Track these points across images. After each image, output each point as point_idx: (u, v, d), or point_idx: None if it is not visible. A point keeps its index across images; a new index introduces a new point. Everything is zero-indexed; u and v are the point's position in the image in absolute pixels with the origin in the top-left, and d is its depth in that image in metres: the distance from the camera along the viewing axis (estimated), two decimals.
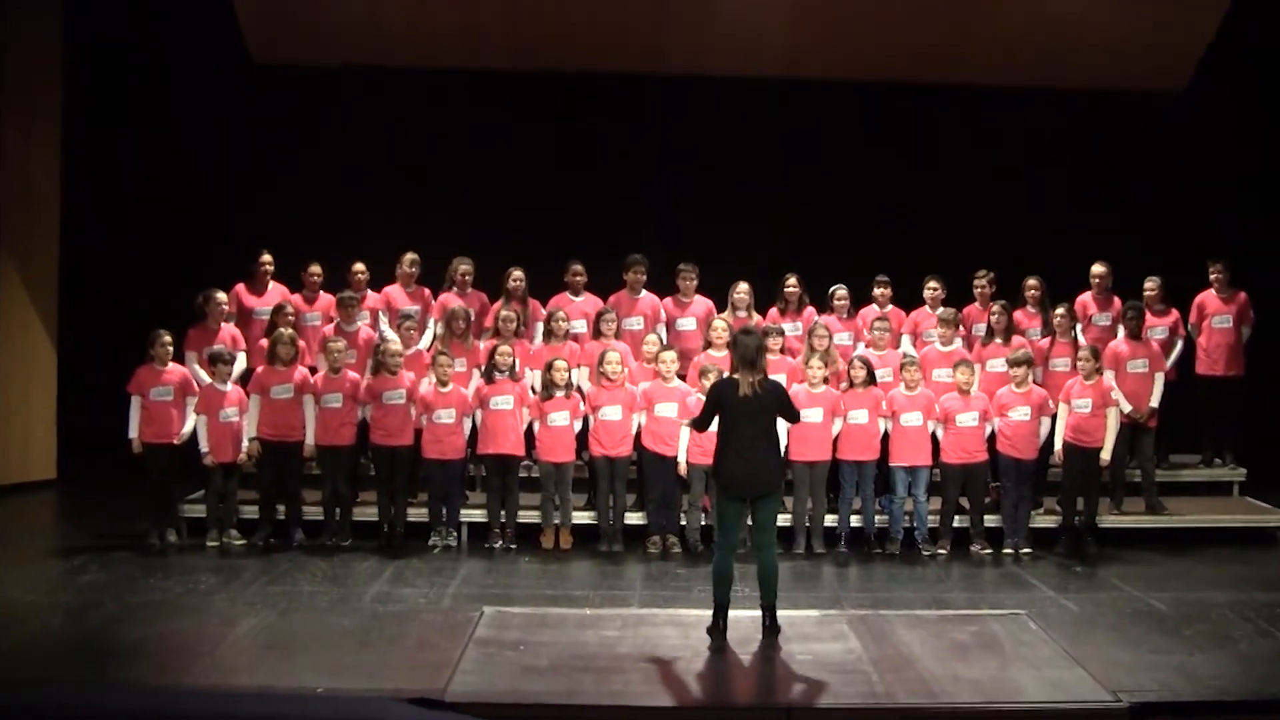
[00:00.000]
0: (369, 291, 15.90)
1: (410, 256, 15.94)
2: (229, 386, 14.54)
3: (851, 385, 14.45)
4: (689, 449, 14.25)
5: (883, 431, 14.52)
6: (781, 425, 11.83)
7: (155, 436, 14.25)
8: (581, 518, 14.73)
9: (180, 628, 11.29)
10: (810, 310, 15.82)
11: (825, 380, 14.38)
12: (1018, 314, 15.65)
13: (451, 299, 15.64)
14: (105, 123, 18.09)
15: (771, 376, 11.75)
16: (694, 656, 10.61)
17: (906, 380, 14.56)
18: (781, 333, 14.95)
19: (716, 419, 11.40)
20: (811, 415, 13.95)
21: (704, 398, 13.75)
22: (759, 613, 11.18)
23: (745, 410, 11.10)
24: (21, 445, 17.38)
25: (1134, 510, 15.16)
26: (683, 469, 14.30)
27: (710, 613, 11.12)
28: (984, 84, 17.95)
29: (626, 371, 14.59)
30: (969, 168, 18.11)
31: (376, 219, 17.29)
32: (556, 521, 14.56)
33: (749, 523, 11.53)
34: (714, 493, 13.68)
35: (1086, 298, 16.04)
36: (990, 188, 18.03)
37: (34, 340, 17.42)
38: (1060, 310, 15.31)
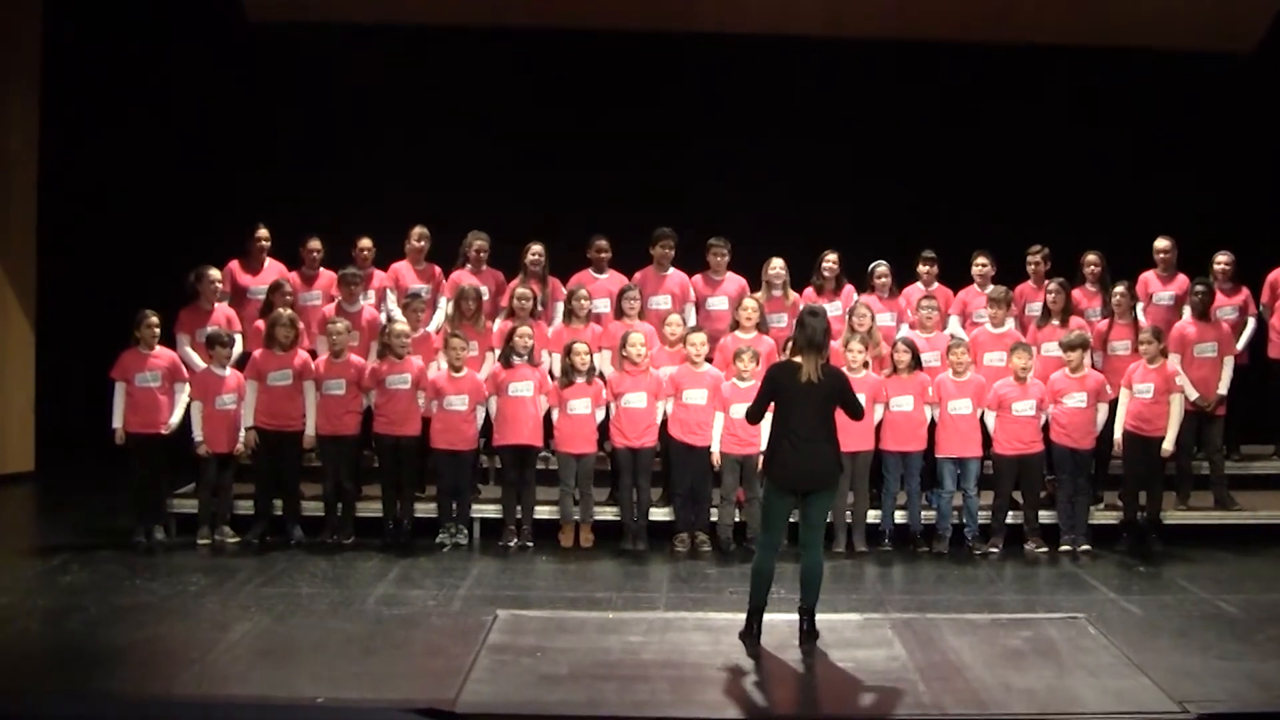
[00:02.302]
0: (375, 269, 15.87)
1: (419, 230, 15.90)
2: (227, 371, 14.50)
3: (895, 370, 14.38)
4: (721, 437, 14.20)
5: (929, 420, 14.48)
6: None
7: (141, 426, 14.18)
8: (603, 513, 14.71)
9: (168, 633, 11.24)
10: (849, 289, 15.74)
11: (866, 364, 14.33)
12: (1076, 293, 15.52)
13: (464, 276, 15.60)
14: (88, 85, 18.06)
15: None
16: (725, 664, 10.53)
17: (954, 364, 14.48)
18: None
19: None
20: None
21: (738, 383, 13.74)
22: (795, 616, 11.11)
23: (805, 397, 10.96)
24: None
25: (1202, 505, 15.09)
26: (716, 460, 14.24)
27: (743, 616, 11.06)
28: (1038, 43, 17.90)
29: (650, 355, 14.53)
30: (1022, 134, 18.01)
31: (383, 190, 17.29)
32: (576, 518, 14.51)
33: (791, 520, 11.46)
34: (749, 486, 13.70)
35: (1148, 275, 15.89)
36: (1045, 156, 17.95)
37: (10, 321, 17.45)
38: (1119, 289, 15.17)
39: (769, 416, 11.16)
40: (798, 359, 11.08)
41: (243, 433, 14.44)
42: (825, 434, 11.01)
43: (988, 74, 18.12)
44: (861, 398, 12.88)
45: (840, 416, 11.20)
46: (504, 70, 18.02)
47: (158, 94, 17.94)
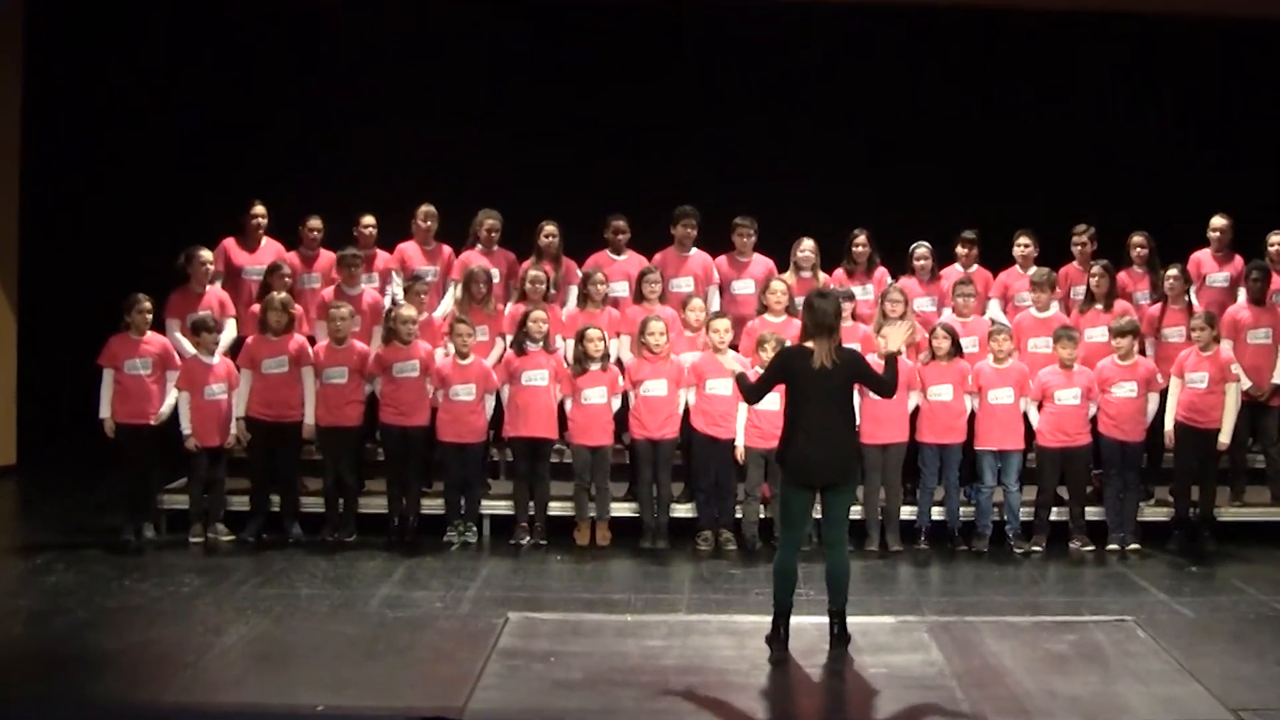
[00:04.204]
0: (379, 249, 15.84)
1: (425, 209, 15.86)
2: (215, 359, 14.45)
3: (934, 357, 14.32)
4: (746, 430, 14.15)
5: (969, 410, 14.44)
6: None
7: (131, 416, 14.16)
8: (621, 510, 14.68)
9: (159, 636, 11.26)
10: (881, 271, 15.69)
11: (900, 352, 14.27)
12: (1122, 275, 15.50)
13: (474, 258, 15.57)
14: (73, 56, 18.02)
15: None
16: (751, 669, 10.56)
17: (995, 351, 14.39)
18: (851, 296, 14.74)
19: (774, 394, 11.29)
20: None
21: (763, 371, 13.69)
22: (825, 619, 11.08)
23: (819, 384, 10.84)
24: None
25: (1258, 501, 15.06)
26: (740, 454, 14.21)
27: (769, 619, 11.00)
28: (1083, 9, 17.81)
29: (671, 341, 14.48)
30: (1066, 107, 17.97)
31: (388, 165, 17.24)
32: (592, 514, 14.50)
33: (816, 516, 11.42)
34: (775, 481, 13.65)
35: (1202, 255, 15.80)
36: (1090, 130, 17.89)
37: None
38: (1173, 271, 15.09)
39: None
40: (809, 344, 11.00)
41: (234, 423, 14.43)
42: (842, 424, 10.94)
43: (1032, 43, 18.03)
44: None
45: (870, 406, 11.15)
46: (515, 42, 17.96)
47: (147, 66, 17.90)
